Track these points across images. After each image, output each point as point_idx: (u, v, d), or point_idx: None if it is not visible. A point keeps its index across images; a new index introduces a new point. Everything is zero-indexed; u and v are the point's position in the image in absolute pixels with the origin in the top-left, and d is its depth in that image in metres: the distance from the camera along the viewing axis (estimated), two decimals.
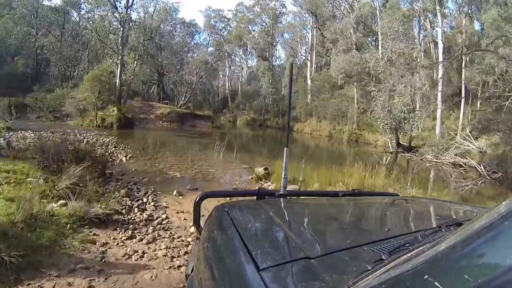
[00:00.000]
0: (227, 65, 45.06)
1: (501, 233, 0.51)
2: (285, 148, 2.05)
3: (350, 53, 30.40)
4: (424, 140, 22.58)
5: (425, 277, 0.54)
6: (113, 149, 13.50)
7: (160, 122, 27.58)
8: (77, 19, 33.66)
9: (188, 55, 39.31)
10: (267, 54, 42.17)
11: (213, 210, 1.48)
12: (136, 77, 27.20)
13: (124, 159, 11.57)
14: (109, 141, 15.58)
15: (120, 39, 24.43)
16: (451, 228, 0.97)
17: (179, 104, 33.88)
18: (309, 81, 37.58)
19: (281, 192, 1.77)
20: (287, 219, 1.47)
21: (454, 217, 1.58)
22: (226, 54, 41.97)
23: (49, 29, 31.07)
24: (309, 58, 39.19)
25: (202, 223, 1.55)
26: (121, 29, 24.42)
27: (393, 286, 0.61)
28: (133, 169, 10.04)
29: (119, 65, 24.11)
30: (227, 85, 45.57)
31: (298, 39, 44.96)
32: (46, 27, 30.96)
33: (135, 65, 25.73)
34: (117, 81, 24.22)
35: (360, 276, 0.75)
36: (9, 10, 30.34)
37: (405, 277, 0.60)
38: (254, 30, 44.76)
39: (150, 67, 33.45)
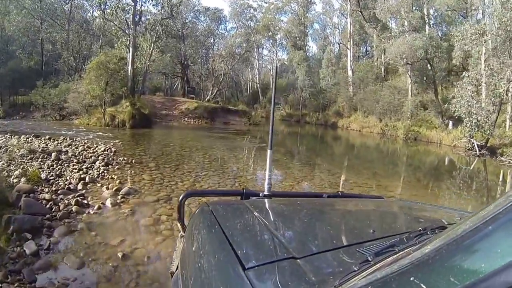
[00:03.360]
0: (256, 57, 37.52)
1: (485, 237, 0.49)
2: (268, 150, 1.75)
3: (412, 34, 22.77)
4: (502, 139, 16.57)
5: (411, 279, 0.52)
6: (101, 168, 6.43)
7: (186, 119, 21.22)
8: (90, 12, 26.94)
9: (215, 47, 32.21)
10: (302, 43, 34.62)
11: (198, 208, 1.31)
12: (153, 64, 19.87)
13: (110, 201, 4.52)
14: (105, 150, 8.57)
15: (131, 16, 17.30)
16: (436, 231, 0.90)
17: (207, 99, 26.81)
18: (350, 72, 30.05)
19: (265, 193, 1.61)
20: (272, 219, 1.32)
21: (439, 220, 1.38)
22: (255, 45, 34.50)
23: (53, 18, 24.52)
24: (348, 47, 31.44)
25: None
26: (132, 3, 17.30)
27: (379, 287, 0.57)
28: (120, 253, 2.99)
29: (130, 49, 17.04)
30: (256, 78, 38.03)
31: (331, 27, 37.53)
32: (51, 16, 24.51)
33: (152, 48, 18.44)
34: (129, 68, 17.17)
35: (346, 277, 0.70)
36: (16, 6, 24.60)
37: (391, 279, 0.56)
38: (282, 20, 37.62)
39: (172, 58, 26.29)
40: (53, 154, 7.18)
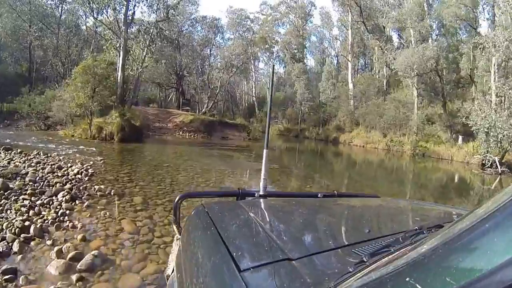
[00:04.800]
0: (252, 70, 35.68)
1: (482, 235, 0.47)
2: (264, 150, 1.66)
3: (422, 44, 21.37)
4: None
5: (407, 279, 0.50)
6: (63, 206, 4.30)
7: (181, 133, 19.33)
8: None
9: (211, 58, 30.35)
10: (300, 55, 33.00)
11: (193, 209, 1.25)
12: (146, 71, 17.84)
13: None
14: (79, 172, 6.43)
15: (122, 16, 15.28)
16: (432, 230, 0.86)
17: (202, 112, 24.80)
18: (350, 85, 28.53)
19: (261, 193, 1.52)
20: (267, 220, 1.28)
21: (435, 219, 1.39)
22: (251, 57, 32.69)
23: (43, 21, 22.61)
24: (349, 59, 29.94)
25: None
26: (124, 3, 15.29)
27: None
28: None
29: (121, 52, 14.97)
30: (253, 91, 36.13)
31: (330, 40, 36.15)
32: (40, 19, 22.60)
33: (144, 53, 16.36)
34: (119, 74, 15.08)
35: (341, 278, 0.68)
36: (7, 10, 22.68)
37: (387, 279, 0.54)
38: (280, 32, 36.29)
39: (167, 67, 24.26)
40: None
